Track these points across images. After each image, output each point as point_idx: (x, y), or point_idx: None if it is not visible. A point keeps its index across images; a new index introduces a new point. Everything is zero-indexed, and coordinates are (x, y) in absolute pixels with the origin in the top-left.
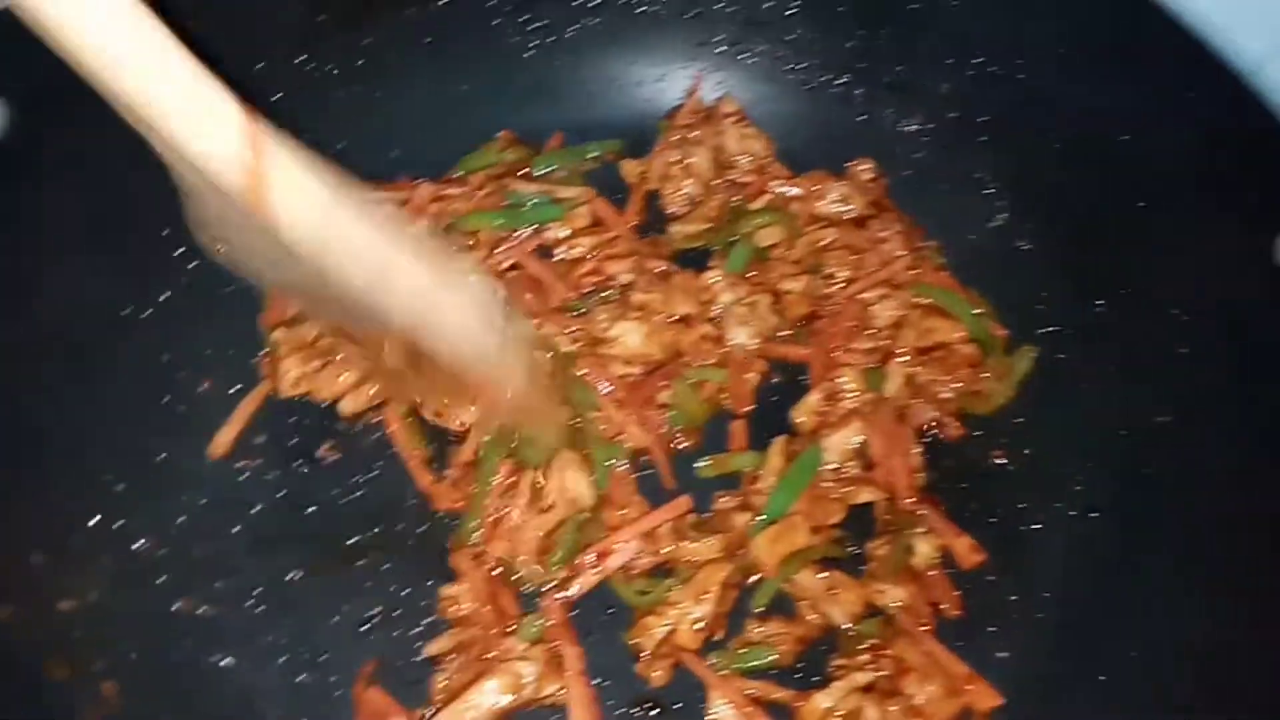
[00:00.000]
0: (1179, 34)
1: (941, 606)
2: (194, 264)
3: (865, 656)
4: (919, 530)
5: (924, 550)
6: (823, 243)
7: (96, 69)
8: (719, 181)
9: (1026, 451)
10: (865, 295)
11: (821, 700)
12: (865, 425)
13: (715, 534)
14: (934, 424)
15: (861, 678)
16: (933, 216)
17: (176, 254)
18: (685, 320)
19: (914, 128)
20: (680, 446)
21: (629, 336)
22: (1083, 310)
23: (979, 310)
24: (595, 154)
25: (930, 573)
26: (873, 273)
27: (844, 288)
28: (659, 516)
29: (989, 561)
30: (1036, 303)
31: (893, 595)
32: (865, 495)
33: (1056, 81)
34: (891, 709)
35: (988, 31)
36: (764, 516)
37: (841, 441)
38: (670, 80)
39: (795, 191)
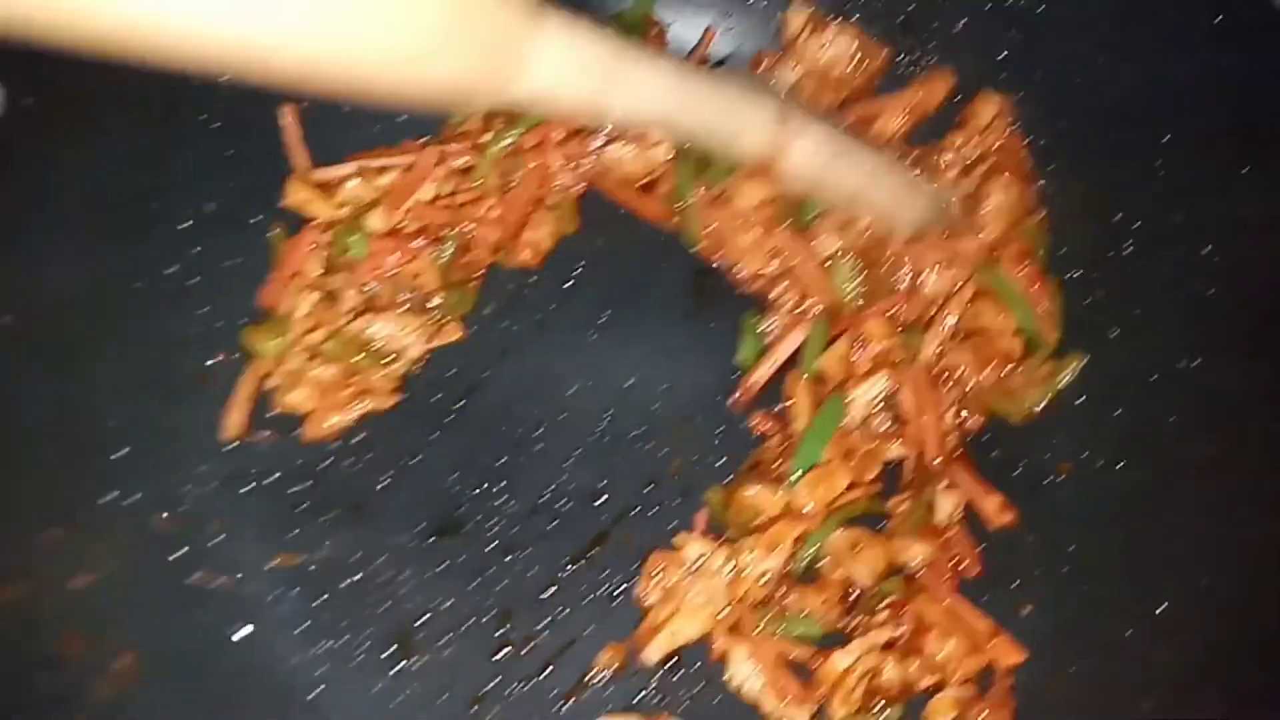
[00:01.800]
0: None
1: (962, 564)
2: (198, 237)
3: (885, 614)
4: (941, 486)
5: (945, 507)
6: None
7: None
8: None
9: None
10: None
11: (840, 659)
12: (897, 378)
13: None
14: (955, 412)
15: (881, 635)
16: None
17: (180, 228)
18: None
19: (930, 69)
20: None
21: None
22: (1109, 253)
23: (1042, 308)
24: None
25: (951, 531)
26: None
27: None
28: None
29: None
30: (1060, 245)
31: (914, 552)
32: (895, 451)
33: (1077, 15)
34: (912, 667)
35: None
36: (796, 473)
37: (867, 391)
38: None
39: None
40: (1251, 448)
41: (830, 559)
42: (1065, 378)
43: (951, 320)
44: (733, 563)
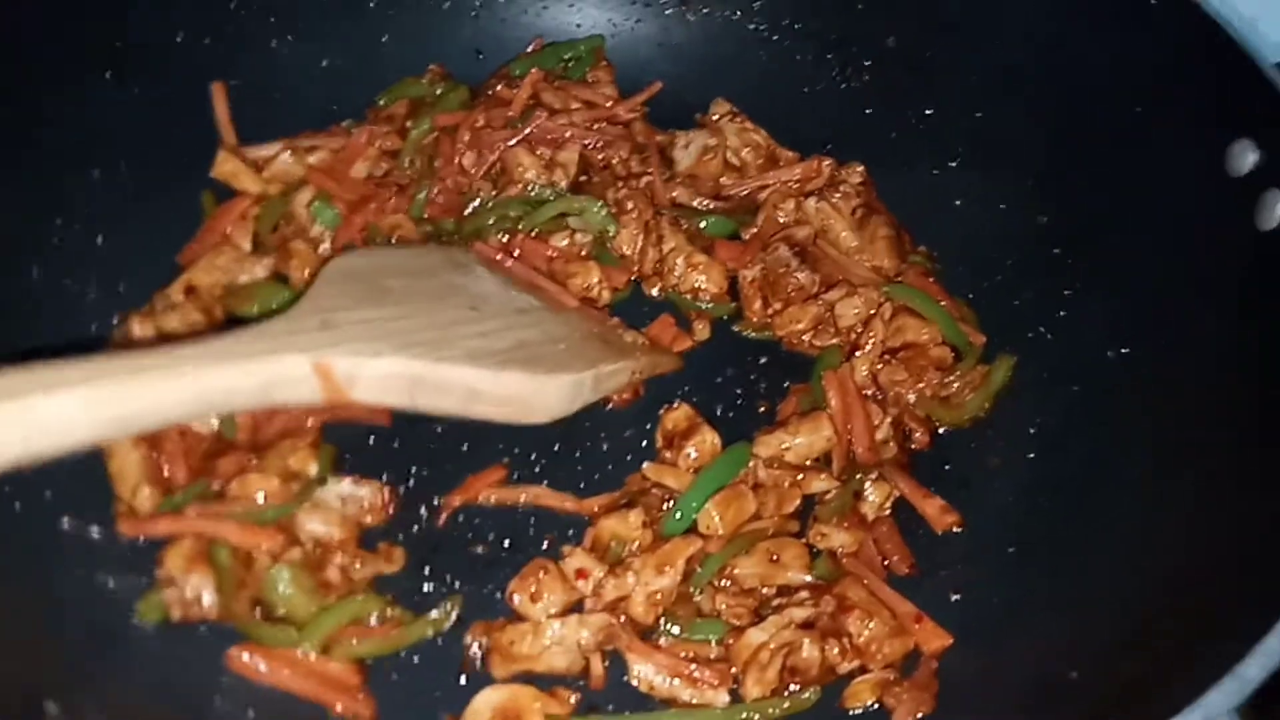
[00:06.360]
0: None
1: (892, 561)
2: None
3: (804, 593)
4: (871, 477)
5: (874, 498)
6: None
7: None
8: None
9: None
10: (830, 295)
11: (755, 635)
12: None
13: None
14: (900, 428)
15: (799, 613)
16: (882, 169)
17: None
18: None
19: (860, 84)
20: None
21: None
22: (1035, 245)
23: (957, 316)
24: (570, 55)
25: (880, 524)
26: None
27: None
28: None
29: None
30: (986, 243)
31: (835, 539)
32: (819, 484)
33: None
34: (833, 649)
35: None
36: (679, 518)
37: (807, 443)
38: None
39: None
40: (1180, 432)
41: (740, 568)
42: (998, 379)
43: (877, 334)
44: (612, 582)
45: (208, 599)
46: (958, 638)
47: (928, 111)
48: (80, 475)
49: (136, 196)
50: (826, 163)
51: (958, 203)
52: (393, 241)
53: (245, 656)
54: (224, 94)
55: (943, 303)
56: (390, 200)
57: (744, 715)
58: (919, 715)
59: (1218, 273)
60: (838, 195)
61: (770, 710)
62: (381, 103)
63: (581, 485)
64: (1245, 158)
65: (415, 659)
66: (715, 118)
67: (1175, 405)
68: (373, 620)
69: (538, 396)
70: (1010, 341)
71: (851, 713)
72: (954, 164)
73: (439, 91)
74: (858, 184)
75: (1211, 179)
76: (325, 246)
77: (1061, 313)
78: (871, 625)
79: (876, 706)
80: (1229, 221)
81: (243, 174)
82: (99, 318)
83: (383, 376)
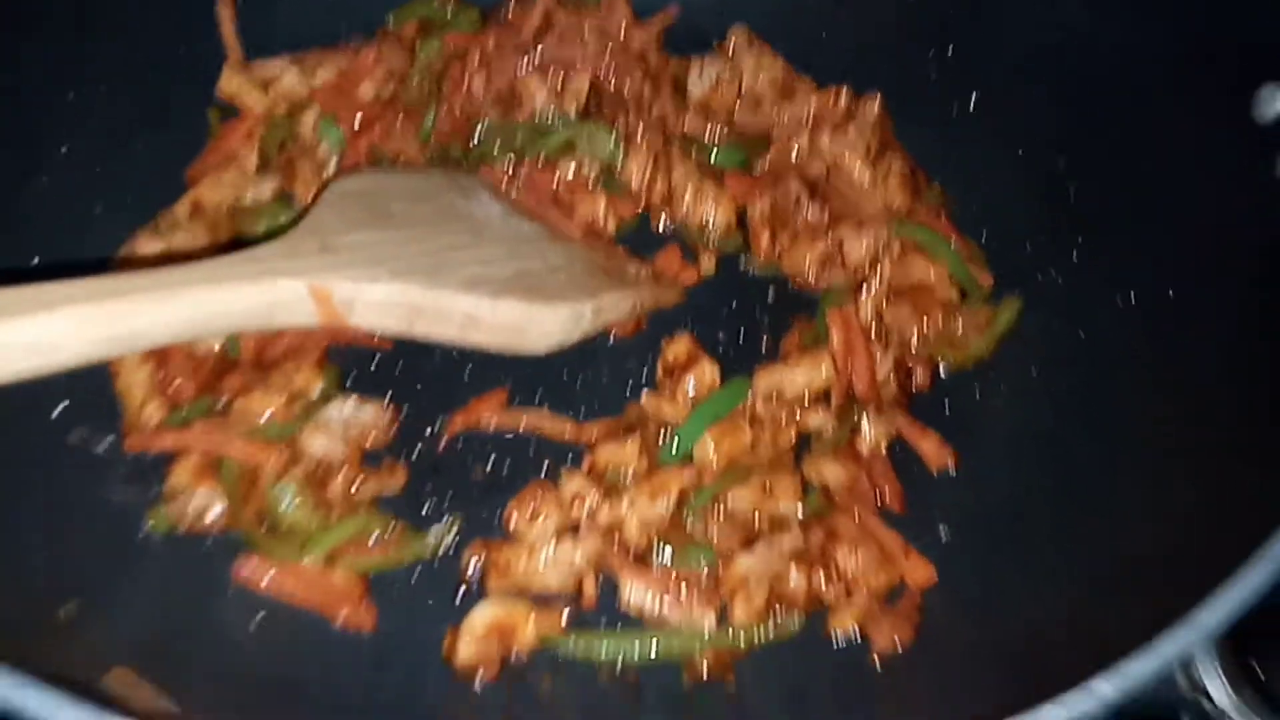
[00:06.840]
0: None
1: (884, 496)
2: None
3: (795, 525)
4: (869, 412)
5: (871, 433)
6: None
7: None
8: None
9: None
10: (840, 232)
11: (744, 562)
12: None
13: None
14: (903, 368)
15: (789, 542)
16: (901, 105)
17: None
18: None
19: (885, 18)
20: None
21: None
22: (1051, 188)
23: (966, 255)
24: None
25: (874, 460)
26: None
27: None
28: None
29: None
30: (1001, 184)
31: (829, 473)
32: (816, 420)
33: None
34: (820, 579)
35: None
36: (676, 448)
37: (806, 378)
38: None
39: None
40: (1187, 384)
41: (733, 499)
42: (1004, 321)
43: (884, 272)
44: (607, 507)
45: (214, 512)
46: (945, 578)
47: (952, 49)
48: (89, 392)
49: (143, 113)
50: (843, 93)
51: (976, 143)
52: (398, 164)
53: (252, 566)
54: (230, 8)
55: (952, 242)
56: (397, 123)
57: (730, 638)
58: (897, 643)
59: (1234, 224)
60: (852, 129)
61: (755, 635)
62: (391, 23)
63: (582, 411)
64: (1274, 103)
65: (415, 575)
66: (732, 45)
67: (1183, 355)
68: (373, 539)
69: (536, 325)
70: (1019, 284)
71: (834, 644)
72: (974, 104)
73: (450, 13)
74: (874, 119)
75: (1234, 128)
76: (331, 167)
77: (1073, 258)
78: (859, 556)
79: (859, 639)
80: (1249, 171)
81: (247, 91)
82: (106, 234)
83: (381, 302)
